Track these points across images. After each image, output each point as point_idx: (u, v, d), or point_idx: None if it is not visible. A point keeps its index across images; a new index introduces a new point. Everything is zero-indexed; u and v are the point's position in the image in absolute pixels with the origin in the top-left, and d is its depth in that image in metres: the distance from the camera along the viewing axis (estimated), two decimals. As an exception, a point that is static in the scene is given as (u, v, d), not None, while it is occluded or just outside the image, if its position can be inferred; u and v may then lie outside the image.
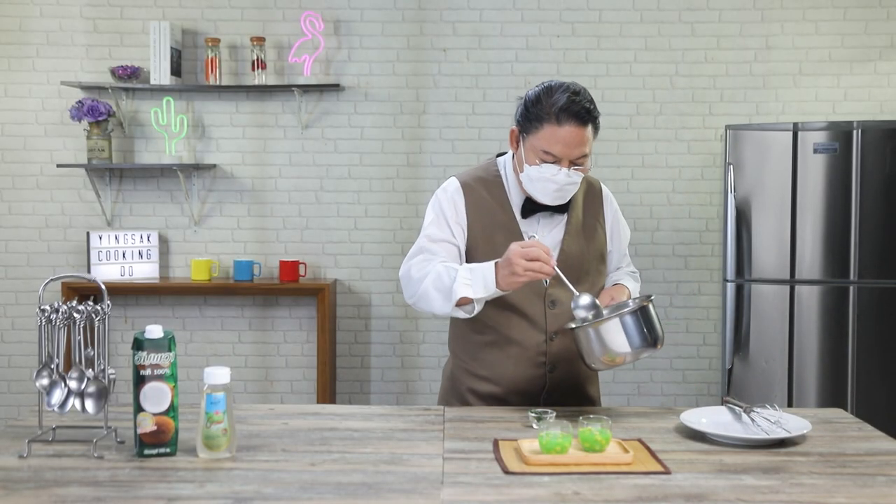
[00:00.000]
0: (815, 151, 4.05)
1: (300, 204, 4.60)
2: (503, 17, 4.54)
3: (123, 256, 4.48)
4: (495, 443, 1.86)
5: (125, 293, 4.53)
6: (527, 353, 2.25)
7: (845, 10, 4.50)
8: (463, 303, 2.10)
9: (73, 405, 1.82)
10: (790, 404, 4.09)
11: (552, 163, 2.12)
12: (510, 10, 4.53)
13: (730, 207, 4.10)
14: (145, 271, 4.53)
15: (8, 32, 4.54)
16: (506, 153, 2.35)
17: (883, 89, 4.52)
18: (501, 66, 4.55)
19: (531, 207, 2.23)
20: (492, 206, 2.25)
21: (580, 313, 2.09)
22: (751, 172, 4.11)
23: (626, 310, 2.04)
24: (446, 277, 2.11)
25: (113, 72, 4.43)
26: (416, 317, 4.62)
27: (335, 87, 4.51)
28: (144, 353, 1.75)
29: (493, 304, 2.19)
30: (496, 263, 2.08)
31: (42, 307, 1.81)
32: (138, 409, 1.75)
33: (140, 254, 4.52)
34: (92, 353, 1.82)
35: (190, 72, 4.56)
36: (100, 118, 4.36)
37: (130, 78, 4.43)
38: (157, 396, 1.75)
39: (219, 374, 1.76)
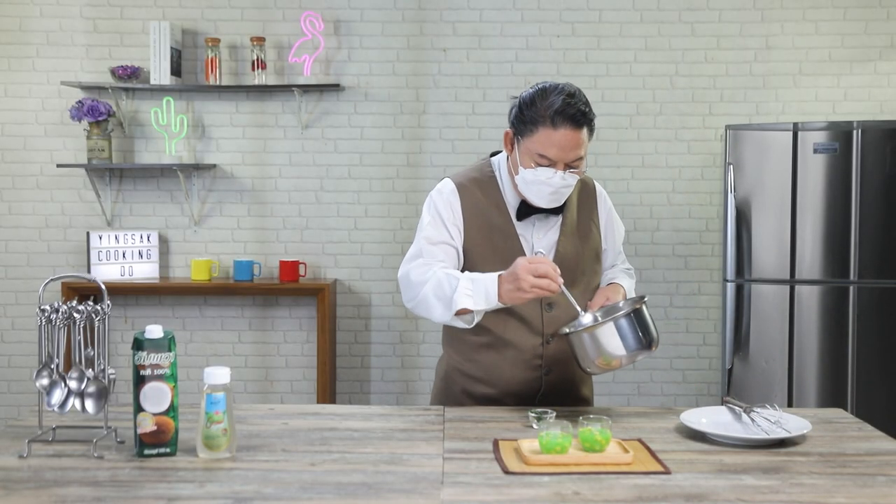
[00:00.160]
0: (815, 151, 4.05)
1: (300, 204, 4.60)
2: (503, 17, 4.54)
3: (123, 256, 4.48)
4: (495, 443, 1.86)
5: (125, 293, 4.53)
6: (523, 356, 2.24)
7: (845, 10, 4.50)
8: (462, 313, 2.09)
9: (73, 405, 1.82)
10: (790, 404, 4.09)
11: (547, 166, 2.11)
12: (510, 10, 4.53)
13: (730, 207, 4.10)
14: (145, 271, 4.53)
15: (8, 32, 4.54)
16: (500, 152, 2.33)
17: (883, 89, 4.52)
18: (501, 66, 4.55)
19: (526, 210, 2.22)
20: (487, 208, 2.24)
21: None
22: (751, 172, 4.10)
23: (619, 313, 2.03)
24: (447, 286, 2.08)
25: (113, 72, 4.43)
26: (416, 317, 4.61)
27: (335, 87, 4.51)
28: (144, 353, 1.75)
29: None
30: (500, 276, 2.05)
31: (42, 307, 1.81)
32: (138, 409, 1.75)
33: (140, 254, 4.52)
34: (92, 353, 1.82)
35: (190, 72, 4.56)
36: (100, 118, 4.36)
37: (130, 78, 4.43)
38: (157, 396, 1.75)
39: (219, 374, 1.76)
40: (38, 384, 1.81)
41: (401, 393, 4.67)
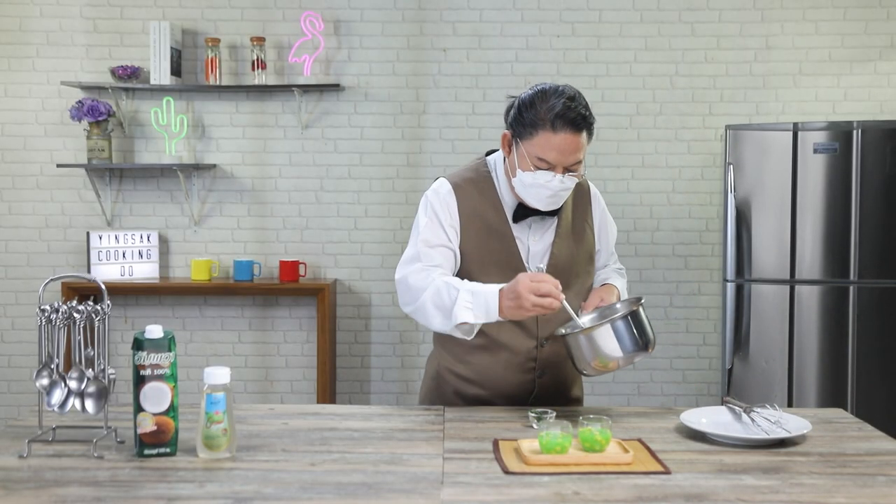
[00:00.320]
0: (815, 151, 4.05)
1: (300, 204, 4.60)
2: (503, 17, 4.54)
3: (123, 256, 4.48)
4: (495, 443, 1.86)
5: (125, 293, 4.53)
6: (517, 359, 2.23)
7: (845, 10, 4.50)
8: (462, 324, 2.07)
9: (73, 405, 1.82)
10: (790, 404, 4.09)
11: (546, 169, 2.09)
12: (510, 10, 4.53)
13: (730, 207, 4.10)
14: (145, 271, 4.53)
15: (8, 32, 4.54)
16: (496, 150, 2.31)
17: (883, 89, 4.52)
18: (501, 66, 4.55)
19: (523, 212, 2.20)
20: (484, 209, 2.21)
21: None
22: (751, 172, 4.10)
23: (616, 315, 2.03)
24: (447, 297, 2.06)
25: (113, 72, 4.43)
26: (416, 317, 4.61)
27: (335, 87, 4.51)
28: (144, 353, 1.75)
29: None
30: (500, 290, 2.02)
31: (42, 307, 1.81)
32: (138, 409, 1.75)
33: (140, 254, 4.52)
34: (92, 353, 1.82)
35: (190, 72, 4.56)
36: (100, 118, 4.36)
37: (130, 78, 4.43)
38: (157, 396, 1.75)
39: (219, 374, 1.76)
40: (38, 384, 1.81)
41: (401, 393, 4.66)
